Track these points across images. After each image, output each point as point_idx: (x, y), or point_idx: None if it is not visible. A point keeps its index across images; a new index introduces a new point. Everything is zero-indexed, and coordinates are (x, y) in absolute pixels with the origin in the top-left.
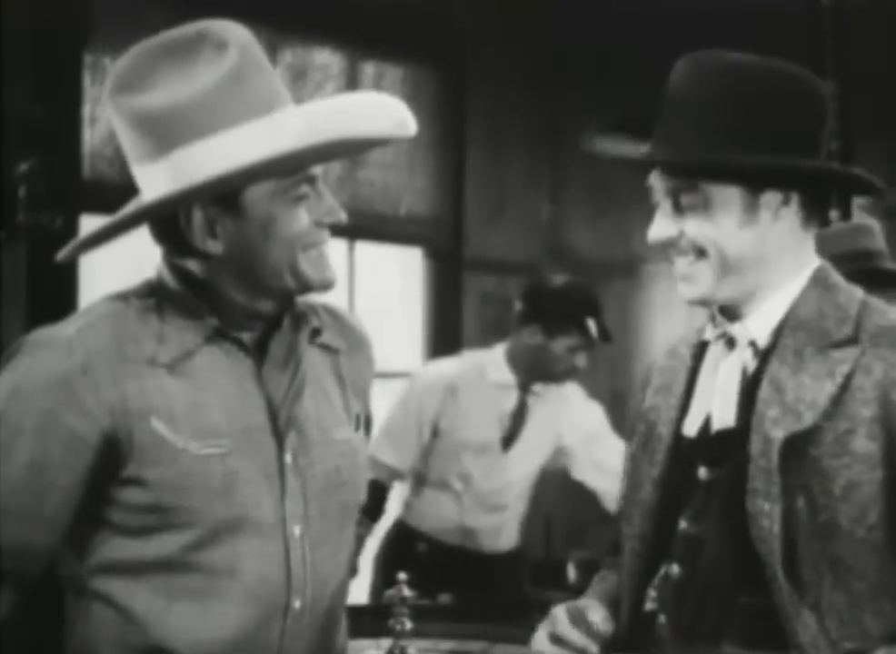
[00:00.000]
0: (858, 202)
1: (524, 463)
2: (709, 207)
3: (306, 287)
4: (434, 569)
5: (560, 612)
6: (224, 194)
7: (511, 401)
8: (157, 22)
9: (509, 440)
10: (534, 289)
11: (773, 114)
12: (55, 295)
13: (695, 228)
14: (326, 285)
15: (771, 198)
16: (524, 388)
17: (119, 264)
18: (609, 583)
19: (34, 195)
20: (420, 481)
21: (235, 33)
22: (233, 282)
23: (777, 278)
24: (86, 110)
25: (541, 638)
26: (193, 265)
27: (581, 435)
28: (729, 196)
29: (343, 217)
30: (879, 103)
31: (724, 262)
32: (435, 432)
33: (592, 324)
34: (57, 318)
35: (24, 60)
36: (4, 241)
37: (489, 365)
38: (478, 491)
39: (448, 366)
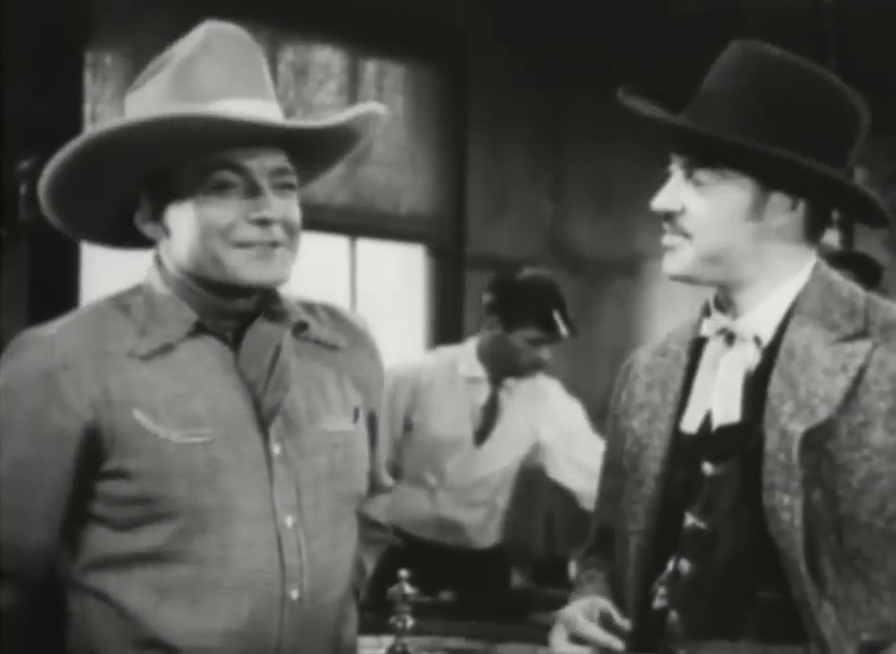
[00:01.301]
0: None
1: (500, 458)
2: (719, 189)
3: (234, 283)
4: (408, 564)
5: (575, 612)
6: (160, 177)
7: (483, 395)
8: (158, 21)
9: (482, 434)
10: (497, 281)
11: (812, 122)
12: (57, 293)
13: (698, 206)
14: (262, 285)
15: (779, 200)
16: (495, 382)
17: (121, 262)
18: (600, 582)
19: (35, 193)
20: (395, 476)
21: (214, 28)
22: (194, 277)
23: (772, 275)
24: (87, 108)
25: (559, 640)
26: (166, 259)
27: (558, 432)
28: (740, 185)
29: (267, 215)
30: (880, 102)
31: (710, 250)
32: (408, 427)
33: (553, 318)
34: (59, 316)
35: (25, 58)
36: (6, 239)
37: (460, 359)
38: (453, 486)
39: (420, 361)
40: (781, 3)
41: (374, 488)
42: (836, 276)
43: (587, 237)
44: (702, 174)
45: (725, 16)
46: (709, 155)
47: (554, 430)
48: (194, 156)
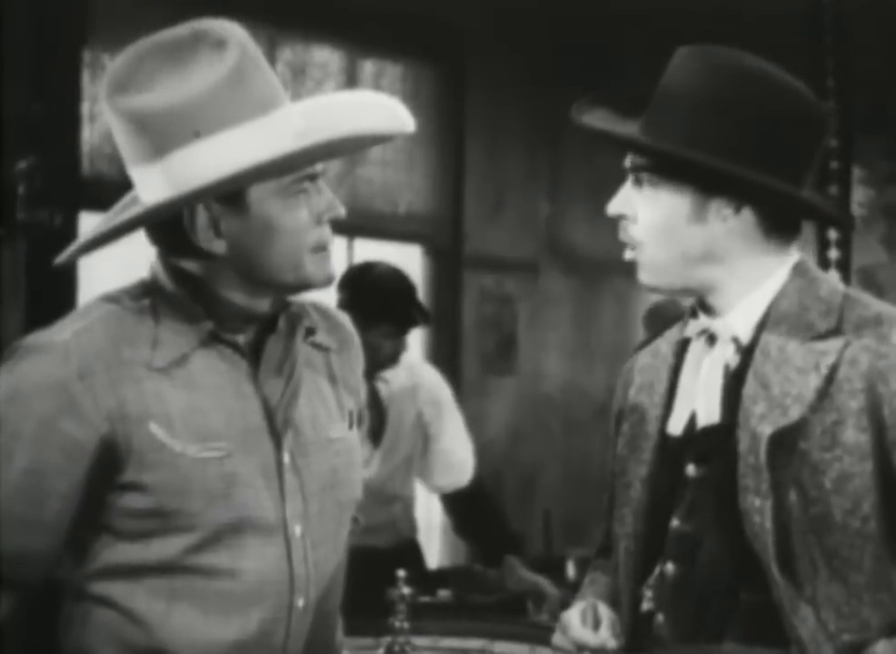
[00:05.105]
0: (857, 199)
1: (398, 449)
2: (660, 195)
3: (307, 285)
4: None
5: (571, 616)
6: (227, 193)
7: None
8: (156, 20)
9: (377, 432)
10: (347, 280)
11: (767, 132)
12: (55, 292)
13: (644, 212)
14: (327, 283)
15: (719, 205)
16: (368, 377)
17: (118, 262)
18: (601, 585)
19: (33, 193)
20: None
21: (233, 32)
22: (233, 282)
23: (743, 276)
24: (85, 107)
25: (560, 642)
26: (191, 265)
27: (437, 410)
28: (680, 191)
29: (342, 211)
30: (878, 101)
31: (658, 259)
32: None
33: (407, 310)
34: (57, 315)
35: (23, 58)
36: (4, 238)
37: None
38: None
39: None
40: (781, 2)
41: None
42: (818, 273)
43: (584, 237)
44: (645, 177)
45: (724, 16)
46: (646, 162)
47: (434, 408)
48: (289, 173)
